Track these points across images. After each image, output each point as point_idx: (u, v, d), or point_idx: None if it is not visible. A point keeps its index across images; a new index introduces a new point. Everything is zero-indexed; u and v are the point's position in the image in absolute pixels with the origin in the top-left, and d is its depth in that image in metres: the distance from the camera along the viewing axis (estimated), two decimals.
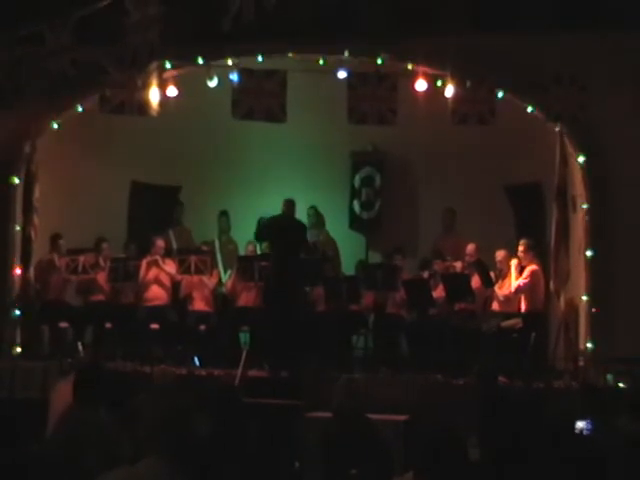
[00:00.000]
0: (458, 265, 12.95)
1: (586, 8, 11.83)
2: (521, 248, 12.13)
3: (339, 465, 6.53)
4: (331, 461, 6.68)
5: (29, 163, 12.93)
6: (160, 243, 13.21)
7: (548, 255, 12.31)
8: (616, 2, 11.75)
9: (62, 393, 7.03)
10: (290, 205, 12.49)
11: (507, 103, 12.31)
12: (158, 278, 13.06)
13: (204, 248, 13.44)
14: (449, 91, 12.13)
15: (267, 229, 12.56)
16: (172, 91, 12.71)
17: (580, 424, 7.12)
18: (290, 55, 12.64)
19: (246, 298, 13.08)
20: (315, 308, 12.89)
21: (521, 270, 12.07)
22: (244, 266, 12.97)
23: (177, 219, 14.37)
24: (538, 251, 12.23)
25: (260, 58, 12.65)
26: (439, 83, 12.28)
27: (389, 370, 12.04)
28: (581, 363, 11.75)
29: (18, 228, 13.01)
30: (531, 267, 12.05)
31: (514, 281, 12.08)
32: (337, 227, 14.40)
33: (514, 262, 12.14)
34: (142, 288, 13.06)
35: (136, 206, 14.89)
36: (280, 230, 12.18)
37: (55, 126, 13.24)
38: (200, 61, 12.64)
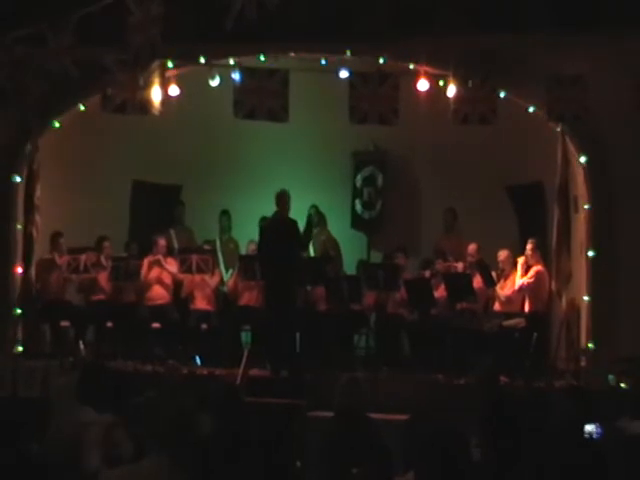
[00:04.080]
0: (460, 265, 12.96)
1: (587, 8, 11.82)
2: (529, 247, 12.16)
3: (341, 464, 6.53)
4: (333, 460, 6.67)
5: (31, 162, 12.94)
6: (162, 242, 13.23)
7: (550, 255, 12.31)
8: (617, 2, 11.74)
9: (64, 392, 7.03)
10: (281, 197, 11.99)
11: (509, 103, 12.31)
12: (160, 277, 13.08)
13: (206, 247, 13.45)
14: (451, 91, 12.13)
15: (262, 231, 12.46)
16: (174, 90, 12.71)
17: (589, 427, 7.09)
18: (292, 55, 12.63)
19: (248, 297, 13.09)
20: (316, 307, 12.89)
21: (527, 269, 12.09)
22: (245, 265, 12.97)
23: (178, 218, 14.38)
24: (542, 251, 12.25)
25: (262, 57, 12.64)
26: (441, 83, 12.27)
27: (390, 370, 12.04)
28: (583, 363, 11.75)
29: (19, 227, 13.01)
30: (537, 267, 12.07)
31: (519, 279, 12.10)
32: (339, 226, 14.40)
33: (521, 260, 12.16)
34: (144, 287, 13.08)
35: (137, 205, 14.91)
36: (272, 231, 12.05)
37: (57, 125, 13.24)
38: (202, 60, 12.64)
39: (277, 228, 11.89)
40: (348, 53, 12.50)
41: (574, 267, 12.20)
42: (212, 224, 14.22)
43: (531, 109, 12.41)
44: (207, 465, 5.27)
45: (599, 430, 6.98)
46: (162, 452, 4.68)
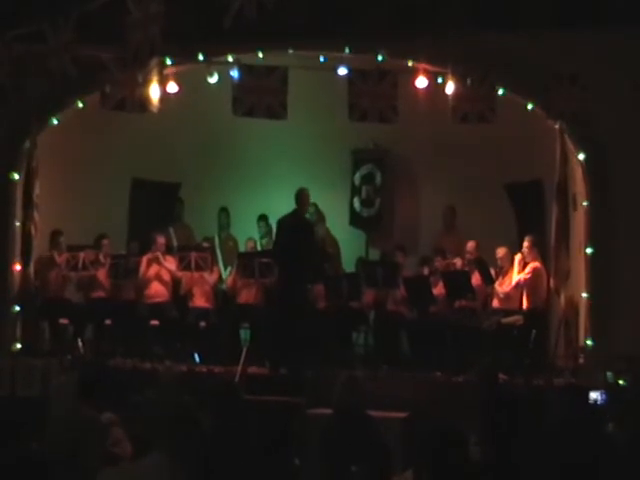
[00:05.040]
0: (458, 262, 12.96)
1: (586, 6, 11.82)
2: (526, 244, 12.16)
3: (339, 462, 6.54)
4: (332, 458, 6.68)
5: (29, 159, 12.91)
6: (161, 240, 13.22)
7: (549, 253, 12.31)
8: (617, 0, 11.74)
9: (63, 390, 7.04)
10: (302, 196, 12.04)
11: (508, 101, 12.31)
12: (159, 275, 13.07)
13: (205, 245, 13.45)
14: (450, 88, 12.12)
15: (279, 230, 12.40)
16: (173, 88, 12.71)
17: (594, 394, 7.07)
18: (291, 52, 12.62)
19: (247, 295, 13.09)
20: (316, 305, 12.89)
21: (524, 266, 12.10)
22: (244, 263, 12.97)
23: (177, 216, 14.39)
24: (540, 249, 12.26)
25: (261, 55, 12.64)
26: (440, 80, 12.26)
27: (389, 367, 12.05)
28: (581, 361, 11.76)
29: (18, 224, 12.99)
30: (534, 264, 12.08)
31: (516, 275, 12.11)
32: (337, 224, 14.39)
33: (518, 257, 12.18)
34: (142, 285, 13.07)
35: (136, 203, 14.90)
36: (290, 230, 12.03)
37: (56, 122, 13.23)
38: (201, 58, 12.63)
39: (295, 227, 11.87)
40: (347, 50, 12.49)
41: (573, 264, 12.20)
42: (211, 221, 14.23)
43: (530, 107, 12.40)
44: (206, 463, 5.27)
45: (604, 397, 6.98)
46: (161, 450, 4.69)
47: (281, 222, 12.21)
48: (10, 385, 11.27)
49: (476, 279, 12.45)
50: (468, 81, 12.02)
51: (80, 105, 13.17)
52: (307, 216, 12.86)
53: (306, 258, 11.72)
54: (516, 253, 12.33)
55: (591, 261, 12.06)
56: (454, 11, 11.84)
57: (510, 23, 11.92)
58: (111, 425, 6.19)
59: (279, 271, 12.10)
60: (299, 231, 11.82)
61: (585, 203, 12.19)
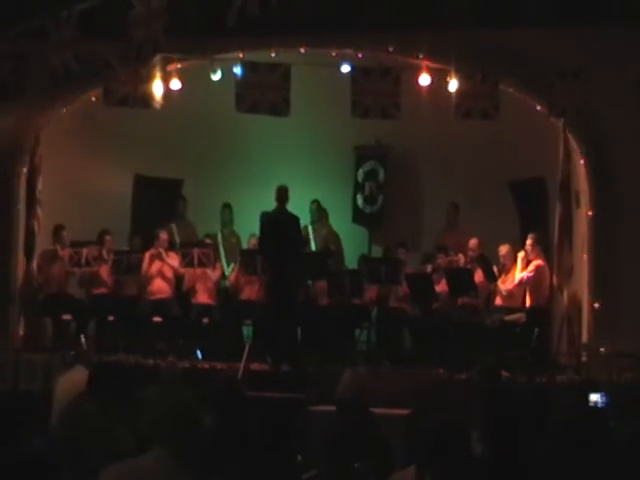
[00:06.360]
0: (461, 259, 12.96)
1: (589, 2, 11.81)
2: (529, 242, 12.16)
3: (342, 459, 6.53)
4: (334, 455, 6.68)
5: (32, 156, 12.93)
6: (164, 236, 13.23)
7: (551, 250, 12.30)
8: None
9: (66, 385, 7.03)
10: (282, 192, 12.09)
11: (511, 98, 12.29)
12: (161, 271, 13.08)
13: (207, 241, 13.45)
14: (453, 85, 12.11)
15: (263, 226, 12.44)
16: (176, 84, 12.71)
17: (594, 397, 7.05)
18: (294, 49, 12.61)
19: (249, 291, 13.09)
20: (318, 302, 12.89)
21: (527, 263, 12.10)
22: (247, 259, 12.98)
23: (180, 213, 14.38)
24: (543, 246, 12.25)
25: (264, 52, 12.63)
26: (443, 78, 12.25)
27: (392, 364, 12.05)
28: (584, 358, 11.75)
29: (21, 220, 13.01)
30: (537, 262, 12.08)
31: (518, 273, 12.11)
32: (340, 221, 14.40)
33: (521, 254, 12.18)
34: (145, 281, 13.08)
35: (139, 199, 14.90)
36: (274, 225, 12.06)
37: (58, 119, 13.23)
38: (204, 54, 12.62)
39: (278, 223, 11.89)
40: (350, 47, 12.48)
41: (575, 262, 12.19)
42: (214, 218, 14.22)
43: (533, 104, 12.38)
44: (209, 459, 5.27)
45: (604, 399, 6.96)
46: (163, 447, 4.69)
47: (263, 219, 12.31)
48: (12, 380, 11.28)
49: (479, 276, 12.45)
50: (471, 78, 12.01)
51: (83, 101, 13.18)
52: (309, 213, 12.91)
53: (292, 251, 11.73)
54: (519, 251, 12.32)
55: (594, 259, 12.05)
56: (457, 7, 11.83)
57: (511, 19, 11.91)
58: (114, 421, 6.17)
59: (269, 268, 12.10)
60: (282, 226, 11.84)
61: (588, 201, 12.18)
